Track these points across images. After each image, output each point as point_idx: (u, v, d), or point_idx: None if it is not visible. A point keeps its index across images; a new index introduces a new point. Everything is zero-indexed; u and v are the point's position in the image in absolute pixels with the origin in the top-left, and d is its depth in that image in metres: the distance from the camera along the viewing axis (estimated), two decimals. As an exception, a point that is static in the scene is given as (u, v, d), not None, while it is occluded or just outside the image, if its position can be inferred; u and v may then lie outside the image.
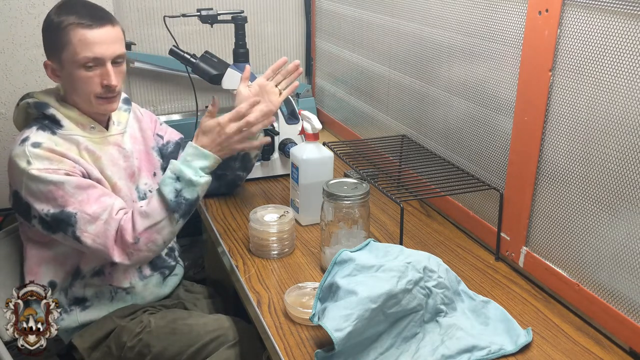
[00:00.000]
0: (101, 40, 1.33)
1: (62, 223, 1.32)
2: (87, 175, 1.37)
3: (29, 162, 1.31)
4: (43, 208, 1.32)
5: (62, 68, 1.36)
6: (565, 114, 1.18)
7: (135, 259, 1.37)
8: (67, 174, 1.32)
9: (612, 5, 1.03)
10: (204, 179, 1.38)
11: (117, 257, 1.35)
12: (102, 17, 1.36)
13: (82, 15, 1.33)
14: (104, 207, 1.34)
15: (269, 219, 1.45)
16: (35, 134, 1.35)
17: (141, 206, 1.37)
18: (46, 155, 1.32)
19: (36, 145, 1.33)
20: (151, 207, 1.36)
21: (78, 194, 1.32)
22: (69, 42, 1.32)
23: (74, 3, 1.37)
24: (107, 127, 1.48)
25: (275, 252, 1.43)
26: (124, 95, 1.58)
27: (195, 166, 1.38)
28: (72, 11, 1.34)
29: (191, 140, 1.43)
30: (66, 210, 1.31)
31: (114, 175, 1.45)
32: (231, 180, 1.71)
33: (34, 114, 1.41)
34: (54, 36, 1.34)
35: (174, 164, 1.39)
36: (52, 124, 1.39)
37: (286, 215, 1.46)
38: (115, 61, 1.37)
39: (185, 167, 1.37)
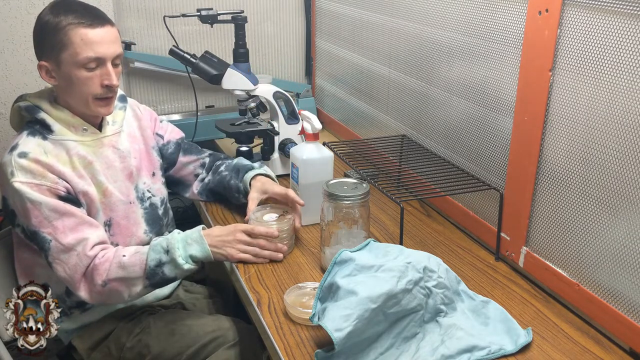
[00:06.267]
0: (102, 40, 1.32)
1: (38, 244, 1.33)
2: (71, 190, 1.35)
3: (12, 173, 1.30)
4: (23, 222, 1.33)
5: (59, 69, 1.34)
6: (565, 114, 1.18)
7: (96, 300, 1.37)
8: (49, 190, 1.31)
9: (612, 5, 1.03)
10: (188, 266, 1.34)
11: (82, 292, 1.34)
12: (100, 17, 1.34)
13: (81, 14, 1.31)
14: (78, 240, 1.32)
15: (268, 218, 1.45)
16: (25, 141, 1.34)
17: (124, 255, 1.34)
18: (30, 168, 1.30)
19: (23, 155, 1.31)
20: (131, 262, 1.33)
21: (53, 218, 1.30)
22: (69, 42, 1.30)
23: (68, 2, 1.35)
24: (100, 128, 1.45)
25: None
26: (119, 92, 1.57)
27: (190, 251, 1.34)
28: (69, 10, 1.31)
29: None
30: (41, 234, 1.31)
31: (107, 180, 1.43)
32: (232, 202, 1.70)
33: (27, 117, 1.40)
34: (52, 37, 1.31)
35: (174, 236, 1.36)
36: (42, 129, 1.37)
37: (285, 214, 1.46)
38: (114, 62, 1.36)
39: (181, 247, 1.34)
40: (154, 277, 1.33)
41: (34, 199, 1.29)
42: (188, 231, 1.39)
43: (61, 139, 1.38)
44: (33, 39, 1.37)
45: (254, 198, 1.55)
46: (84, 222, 1.34)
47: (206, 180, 1.68)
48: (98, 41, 1.31)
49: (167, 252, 1.34)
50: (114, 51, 1.34)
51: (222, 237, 1.38)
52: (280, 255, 1.42)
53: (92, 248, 1.33)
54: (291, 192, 1.50)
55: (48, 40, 1.33)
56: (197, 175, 1.70)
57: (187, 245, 1.35)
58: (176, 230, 1.39)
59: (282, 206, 1.51)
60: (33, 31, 1.36)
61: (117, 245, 1.44)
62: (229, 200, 1.67)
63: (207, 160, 1.70)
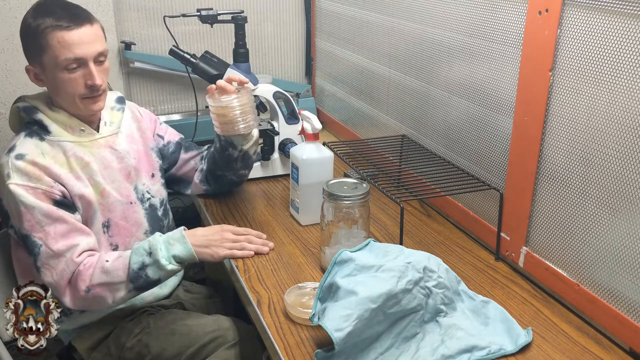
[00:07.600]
0: (81, 41, 1.31)
1: (28, 248, 1.33)
2: (67, 194, 1.35)
3: (8, 175, 1.30)
4: (15, 224, 1.33)
5: (44, 72, 1.34)
6: (565, 114, 1.18)
7: (79, 306, 1.37)
8: (44, 193, 1.31)
9: (612, 5, 1.03)
10: (171, 267, 1.35)
11: (66, 298, 1.34)
12: (79, 17, 1.33)
13: (60, 16, 1.30)
14: (68, 246, 1.32)
15: (226, 98, 1.47)
16: (22, 142, 1.35)
17: (107, 260, 1.34)
18: (26, 170, 1.31)
19: (19, 157, 1.32)
20: (114, 266, 1.33)
21: (45, 224, 1.30)
22: (48, 45, 1.29)
23: (49, 4, 1.35)
24: (97, 129, 1.46)
25: (242, 125, 1.47)
26: (118, 94, 1.57)
27: (172, 252, 1.35)
28: (48, 13, 1.31)
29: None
30: (32, 238, 1.31)
31: (105, 180, 1.43)
32: (232, 180, 1.70)
33: (25, 118, 1.40)
34: (33, 40, 1.31)
35: (155, 238, 1.37)
36: (40, 130, 1.37)
37: (240, 90, 1.48)
38: (98, 60, 1.35)
39: (163, 248, 1.35)
40: (138, 280, 1.34)
41: (28, 203, 1.29)
42: (170, 232, 1.39)
43: (58, 140, 1.38)
44: (20, 41, 1.37)
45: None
46: (76, 229, 1.35)
47: (204, 167, 1.69)
48: (76, 42, 1.30)
49: (150, 254, 1.34)
50: (94, 50, 1.33)
51: (207, 237, 1.40)
52: (266, 249, 1.44)
53: (80, 255, 1.33)
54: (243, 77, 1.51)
55: (30, 43, 1.33)
56: (197, 170, 1.70)
57: (169, 245, 1.35)
58: (158, 233, 1.40)
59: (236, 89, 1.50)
60: (19, 33, 1.36)
61: (116, 246, 1.45)
62: (229, 170, 1.64)
63: (205, 152, 1.71)
